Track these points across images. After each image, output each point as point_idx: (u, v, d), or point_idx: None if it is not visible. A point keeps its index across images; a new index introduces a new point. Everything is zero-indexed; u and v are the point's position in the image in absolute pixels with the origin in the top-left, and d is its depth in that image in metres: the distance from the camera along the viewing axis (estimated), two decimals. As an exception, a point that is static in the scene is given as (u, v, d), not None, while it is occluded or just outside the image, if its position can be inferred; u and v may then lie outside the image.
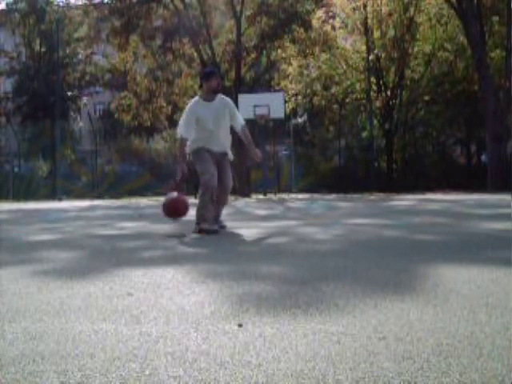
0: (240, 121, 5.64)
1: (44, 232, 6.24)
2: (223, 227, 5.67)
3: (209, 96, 5.50)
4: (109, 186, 25.39)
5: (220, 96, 5.57)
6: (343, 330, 1.76)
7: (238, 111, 5.84)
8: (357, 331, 1.74)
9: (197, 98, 5.63)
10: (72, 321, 1.98)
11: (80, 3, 27.46)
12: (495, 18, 22.39)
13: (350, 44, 25.92)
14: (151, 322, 1.93)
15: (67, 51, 34.32)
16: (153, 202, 16.53)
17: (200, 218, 5.33)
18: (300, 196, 19.33)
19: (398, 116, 24.29)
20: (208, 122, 5.42)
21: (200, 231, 5.25)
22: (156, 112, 24.10)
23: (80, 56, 35.97)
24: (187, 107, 5.60)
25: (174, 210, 5.60)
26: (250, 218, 8.29)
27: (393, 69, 24.29)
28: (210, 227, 5.27)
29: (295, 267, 3.13)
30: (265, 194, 20.08)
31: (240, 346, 1.61)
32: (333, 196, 17.92)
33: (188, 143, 5.53)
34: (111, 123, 35.61)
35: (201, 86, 5.69)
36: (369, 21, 23.98)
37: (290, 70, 24.85)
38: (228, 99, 5.68)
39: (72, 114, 36.28)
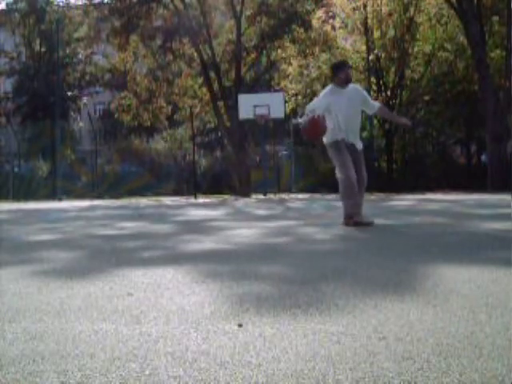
0: (374, 103, 5.87)
1: (44, 232, 6.24)
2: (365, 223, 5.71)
3: (343, 84, 5.68)
4: (109, 186, 25.38)
5: (352, 84, 5.80)
6: (343, 329, 1.76)
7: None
8: (357, 331, 1.74)
9: (330, 85, 5.80)
10: (72, 321, 1.98)
11: (80, 3, 27.46)
12: (495, 18, 22.37)
13: (350, 44, 25.91)
14: (151, 322, 1.92)
15: (67, 51, 34.34)
16: (153, 202, 16.52)
17: (350, 211, 5.48)
18: (300, 196, 19.33)
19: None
20: (340, 109, 5.58)
21: (355, 224, 5.38)
22: (156, 112, 24.07)
23: (80, 56, 36.00)
24: (321, 93, 5.84)
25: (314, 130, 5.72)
26: (250, 217, 8.28)
27: (393, 69, 24.28)
28: (365, 220, 5.44)
29: (295, 267, 3.13)
30: (265, 194, 20.08)
31: (240, 346, 1.61)
32: (333, 196, 17.92)
33: (326, 134, 5.68)
34: (111, 123, 35.62)
35: (332, 78, 5.88)
36: (369, 21, 23.98)
37: (290, 69, 24.84)
38: (359, 87, 5.98)
39: (72, 113, 36.30)
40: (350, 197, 5.49)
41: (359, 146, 5.80)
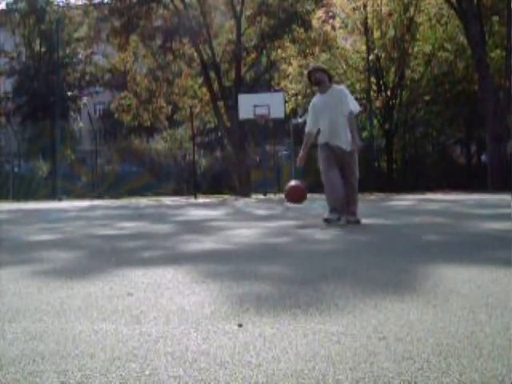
0: (347, 107, 5.65)
1: (44, 232, 6.24)
2: (358, 222, 5.75)
3: (320, 89, 5.82)
4: (109, 186, 25.42)
5: (333, 87, 5.85)
6: (343, 329, 1.76)
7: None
8: (357, 331, 1.74)
9: (316, 94, 6.03)
10: (72, 321, 1.98)
11: (80, 3, 27.49)
12: (495, 18, 22.38)
13: (350, 44, 25.92)
14: (151, 322, 1.92)
15: (67, 51, 34.36)
16: (153, 202, 16.53)
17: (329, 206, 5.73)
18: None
19: (398, 116, 24.29)
20: (323, 113, 5.73)
21: (325, 220, 5.64)
22: (156, 112, 24.09)
23: (80, 56, 36.03)
24: (309, 107, 6.05)
25: (297, 196, 6.30)
26: (249, 217, 8.29)
27: (393, 69, 24.29)
28: (328, 216, 5.62)
29: (295, 267, 3.13)
30: (265, 194, 20.08)
31: (240, 346, 1.61)
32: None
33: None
34: (111, 123, 35.67)
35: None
36: (369, 21, 23.99)
37: (290, 69, 24.84)
38: (341, 88, 5.93)
39: (72, 114, 36.33)
40: (328, 196, 5.76)
41: (347, 146, 5.72)
